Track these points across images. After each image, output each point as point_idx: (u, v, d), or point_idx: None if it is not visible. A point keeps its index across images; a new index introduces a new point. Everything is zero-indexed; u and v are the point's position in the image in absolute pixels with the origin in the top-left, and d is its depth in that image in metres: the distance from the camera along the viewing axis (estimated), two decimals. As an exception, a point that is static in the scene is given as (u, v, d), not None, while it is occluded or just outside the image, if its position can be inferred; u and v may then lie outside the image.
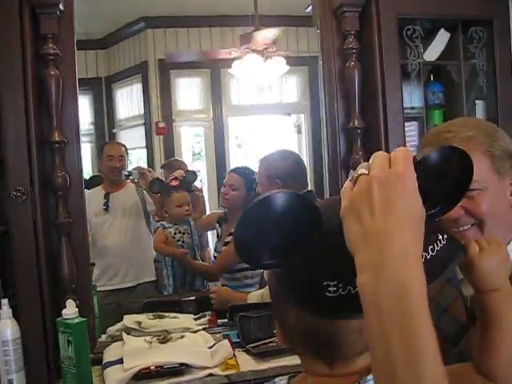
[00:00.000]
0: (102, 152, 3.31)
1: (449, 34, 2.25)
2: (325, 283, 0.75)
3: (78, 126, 2.02)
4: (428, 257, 0.76)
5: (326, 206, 0.79)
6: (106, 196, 3.17)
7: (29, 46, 1.86)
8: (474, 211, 1.18)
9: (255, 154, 4.84)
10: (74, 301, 1.88)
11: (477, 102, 2.26)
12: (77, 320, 1.84)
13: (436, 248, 0.77)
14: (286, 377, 0.90)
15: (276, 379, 0.90)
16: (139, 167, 3.51)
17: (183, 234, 2.98)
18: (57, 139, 1.92)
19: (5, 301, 1.80)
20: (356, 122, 2.13)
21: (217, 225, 3.10)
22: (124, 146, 3.50)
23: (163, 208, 3.05)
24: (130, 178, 3.29)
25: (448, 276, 0.77)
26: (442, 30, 2.24)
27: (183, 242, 3.00)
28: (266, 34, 3.69)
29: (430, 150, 0.71)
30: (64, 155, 1.96)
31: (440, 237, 0.79)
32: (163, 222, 2.97)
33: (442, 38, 2.24)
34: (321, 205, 0.78)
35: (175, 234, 2.96)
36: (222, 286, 2.96)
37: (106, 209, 3.15)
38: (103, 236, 3.11)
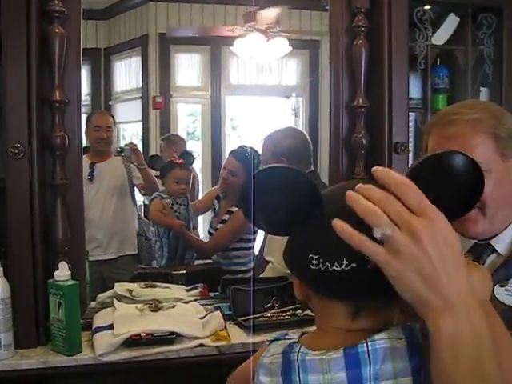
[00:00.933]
0: (90, 122, 3.26)
1: (458, 19, 2.23)
2: (310, 255, 0.82)
3: (80, 88, 1.98)
4: None
5: (329, 191, 0.87)
6: (92, 166, 3.15)
7: (34, 2, 1.81)
8: None
9: (250, 136, 4.83)
10: (67, 263, 1.86)
11: (481, 88, 2.25)
12: (69, 282, 1.82)
13: None
14: (299, 331, 0.93)
15: (289, 332, 0.94)
16: (132, 143, 3.47)
17: (180, 205, 2.96)
18: (58, 98, 1.88)
19: (-4, 259, 1.78)
20: (360, 101, 2.11)
21: (215, 201, 3.08)
22: (112, 116, 3.48)
23: (161, 180, 3.03)
24: (123, 154, 3.25)
25: None
26: (452, 15, 2.23)
27: (180, 213, 2.99)
28: (269, 13, 3.65)
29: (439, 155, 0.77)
30: (64, 115, 1.92)
31: None
32: (161, 193, 2.95)
33: (451, 23, 2.22)
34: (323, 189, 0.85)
35: (173, 204, 2.94)
36: (215, 263, 2.95)
37: (91, 178, 3.12)
38: (87, 207, 3.05)
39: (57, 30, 1.87)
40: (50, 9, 1.87)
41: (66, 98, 1.91)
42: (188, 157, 3.12)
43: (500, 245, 1.24)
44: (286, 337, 0.92)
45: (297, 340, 0.89)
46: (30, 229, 1.84)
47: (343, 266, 0.78)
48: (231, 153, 3.04)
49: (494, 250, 1.24)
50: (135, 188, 3.28)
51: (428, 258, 0.67)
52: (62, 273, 1.82)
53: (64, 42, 1.89)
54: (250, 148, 2.99)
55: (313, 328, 0.92)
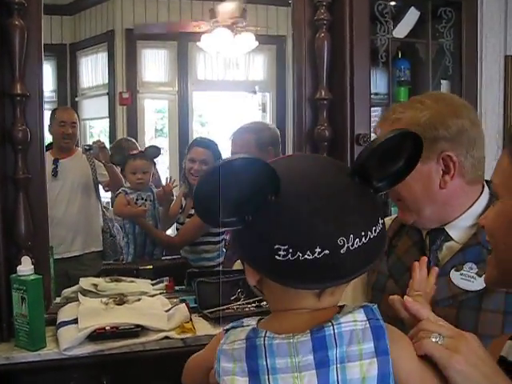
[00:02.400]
0: (54, 117, 3.23)
1: (418, 13, 2.27)
2: (276, 246, 0.78)
3: (42, 82, 1.96)
4: (371, 236, 0.83)
5: (285, 171, 0.82)
6: (55, 162, 3.12)
7: (-8, -7, 1.80)
8: (394, 195, 1.28)
9: (218, 132, 4.83)
10: (30, 258, 1.84)
11: (442, 81, 2.29)
12: (32, 277, 1.81)
13: (377, 230, 0.84)
14: (255, 318, 0.91)
15: (244, 320, 0.90)
16: (99, 141, 3.44)
17: (145, 200, 2.94)
18: (19, 92, 1.86)
19: (-43, 254, 1.76)
20: (323, 93, 2.13)
21: (182, 198, 3.07)
22: (76, 112, 3.44)
23: (123, 173, 3.02)
24: (90, 151, 3.22)
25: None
26: (413, 9, 2.26)
27: (146, 209, 2.96)
28: (231, 7, 3.65)
29: (383, 135, 0.84)
30: (25, 109, 1.90)
31: (380, 220, 0.86)
32: (125, 188, 2.93)
33: (411, 16, 2.26)
34: (279, 169, 0.80)
35: (137, 200, 2.92)
36: (182, 257, 2.94)
37: (55, 174, 3.09)
38: (50, 205, 3.00)
39: (16, 23, 1.85)
40: (9, 0, 1.84)
41: (28, 92, 1.89)
42: (152, 149, 3.09)
43: (454, 232, 1.26)
44: (244, 323, 0.90)
45: (255, 326, 0.89)
46: (-9, 224, 1.82)
47: (315, 254, 0.77)
48: (195, 144, 3.01)
49: (450, 238, 1.27)
50: (99, 185, 3.26)
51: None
52: (25, 267, 1.80)
53: (24, 34, 1.86)
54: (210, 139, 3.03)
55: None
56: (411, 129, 1.01)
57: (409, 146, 0.88)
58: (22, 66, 1.88)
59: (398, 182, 0.91)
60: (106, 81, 4.63)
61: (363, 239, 0.81)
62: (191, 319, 1.99)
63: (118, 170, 3.15)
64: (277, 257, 0.78)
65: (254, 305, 2.09)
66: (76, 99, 4.74)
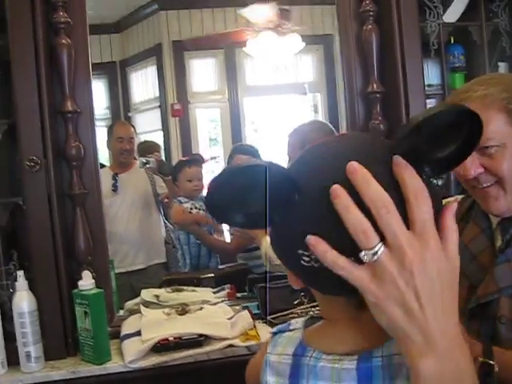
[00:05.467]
0: (111, 133, 3.28)
1: (469, -6, 2.17)
2: (299, 251, 0.70)
3: (92, 97, 1.98)
4: None
5: (309, 162, 0.74)
6: (115, 176, 3.15)
7: (39, 14, 1.82)
8: (493, 169, 1.16)
9: (271, 136, 4.82)
10: (91, 273, 1.86)
11: (499, 63, 2.18)
12: (93, 291, 1.82)
13: None
14: (303, 320, 0.87)
15: (291, 322, 0.87)
16: (156, 154, 3.48)
17: (199, 209, 2.95)
18: (70, 109, 1.89)
19: (20, 272, 1.79)
20: (375, 86, 2.07)
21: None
22: (133, 126, 3.48)
23: (175, 183, 3.03)
24: (148, 166, 3.25)
25: None
26: (463, -10, 2.17)
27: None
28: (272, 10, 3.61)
29: (431, 110, 0.64)
30: (77, 125, 1.93)
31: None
32: (179, 198, 2.95)
33: (462, -1, 2.17)
34: (301, 162, 0.74)
35: (191, 209, 2.93)
36: (242, 264, 2.92)
37: (115, 190, 3.12)
38: (111, 220, 3.00)
39: (63, 41, 1.88)
40: (55, 20, 1.88)
41: (78, 108, 1.92)
42: (199, 157, 3.12)
43: None
44: (291, 327, 0.86)
45: (302, 336, 0.83)
46: (51, 241, 1.85)
47: None
48: (236, 151, 3.03)
49: None
50: (159, 197, 3.28)
51: (415, 292, 0.60)
52: (86, 282, 1.82)
53: (72, 52, 1.89)
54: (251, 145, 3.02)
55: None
56: (508, 101, 0.97)
57: (463, 124, 0.69)
58: (72, 83, 1.91)
59: (455, 166, 0.74)
60: (157, 94, 4.69)
61: None
62: (255, 326, 1.96)
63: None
64: (302, 262, 0.70)
65: (318, 308, 2.03)
66: (129, 114, 4.82)
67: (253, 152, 2.95)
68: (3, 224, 1.92)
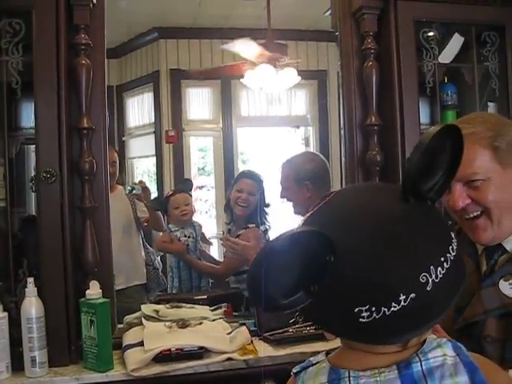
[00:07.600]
0: None
1: (462, 38, 2.33)
2: (356, 309, 0.72)
3: (105, 115, 2.07)
4: (451, 258, 0.76)
5: (333, 224, 0.78)
6: None
7: (63, 36, 1.92)
8: (479, 200, 1.24)
9: (260, 168, 4.90)
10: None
11: (489, 103, 2.32)
12: (100, 300, 1.88)
13: (453, 247, 0.78)
14: (322, 354, 0.89)
15: (311, 358, 0.89)
16: (142, 182, 3.55)
17: (188, 237, 3.03)
18: (85, 126, 1.97)
19: (30, 279, 1.84)
20: (373, 119, 2.20)
21: (225, 225, 3.15)
22: (116, 150, 3.55)
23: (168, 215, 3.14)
24: (133, 192, 3.32)
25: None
26: (456, 35, 2.32)
27: (188, 245, 3.05)
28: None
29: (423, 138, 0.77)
30: (91, 141, 2.01)
31: (452, 234, 0.79)
32: (170, 226, 3.05)
33: (456, 42, 2.32)
34: (326, 224, 0.76)
35: (180, 237, 3.02)
36: (233, 288, 2.98)
37: None
38: None
39: (83, 62, 1.98)
40: (76, 42, 1.98)
41: (93, 125, 2.01)
42: (187, 183, 3.22)
43: (510, 244, 1.28)
44: (314, 361, 0.87)
45: (326, 360, 0.86)
46: (61, 250, 1.92)
47: (402, 303, 0.71)
48: (243, 176, 3.12)
49: (505, 251, 1.28)
50: (139, 221, 3.34)
51: None
52: (94, 291, 1.88)
53: (90, 72, 1.99)
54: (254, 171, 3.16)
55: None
56: (493, 139, 1.06)
57: (449, 144, 0.80)
58: (88, 101, 2.00)
59: (448, 183, 0.85)
60: (152, 120, 4.78)
61: (445, 264, 0.74)
62: (252, 341, 2.03)
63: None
64: (361, 319, 0.72)
65: (312, 327, 2.11)
66: (123, 139, 4.90)
67: (258, 179, 3.04)
68: (15, 232, 1.98)
